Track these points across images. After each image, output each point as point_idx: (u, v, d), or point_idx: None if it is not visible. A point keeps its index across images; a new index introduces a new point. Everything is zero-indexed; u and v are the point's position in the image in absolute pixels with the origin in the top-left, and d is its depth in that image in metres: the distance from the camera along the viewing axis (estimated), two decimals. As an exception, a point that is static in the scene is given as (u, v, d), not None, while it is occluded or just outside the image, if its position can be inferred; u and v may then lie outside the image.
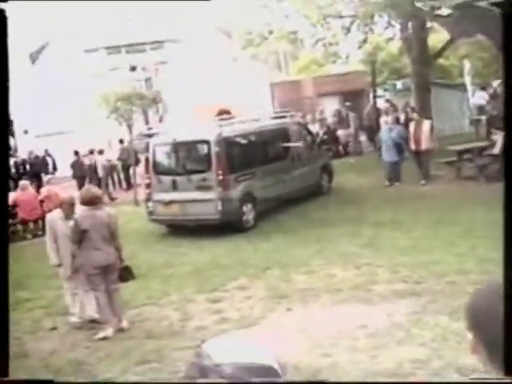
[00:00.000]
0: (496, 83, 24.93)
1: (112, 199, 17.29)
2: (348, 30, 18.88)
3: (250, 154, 12.16)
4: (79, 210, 6.85)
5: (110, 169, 18.99)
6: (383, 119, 15.69)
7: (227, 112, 17.68)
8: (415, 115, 15.18)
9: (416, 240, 9.19)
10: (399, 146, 14.15)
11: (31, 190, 14.78)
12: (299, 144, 13.47)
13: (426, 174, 14.11)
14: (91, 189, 7.13)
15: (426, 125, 14.24)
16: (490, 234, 8.67)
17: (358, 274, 7.92)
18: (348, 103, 23.57)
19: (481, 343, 1.53)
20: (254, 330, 6.35)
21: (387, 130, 14.52)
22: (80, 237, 6.57)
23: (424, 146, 13.93)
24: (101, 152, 18.66)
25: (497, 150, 13.67)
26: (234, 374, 1.30)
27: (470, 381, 1.49)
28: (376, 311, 6.51)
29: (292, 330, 6.22)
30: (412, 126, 14.44)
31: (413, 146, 14.15)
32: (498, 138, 13.84)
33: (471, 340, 1.56)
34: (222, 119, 13.28)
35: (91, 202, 6.63)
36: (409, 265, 7.93)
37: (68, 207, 7.12)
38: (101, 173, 18.25)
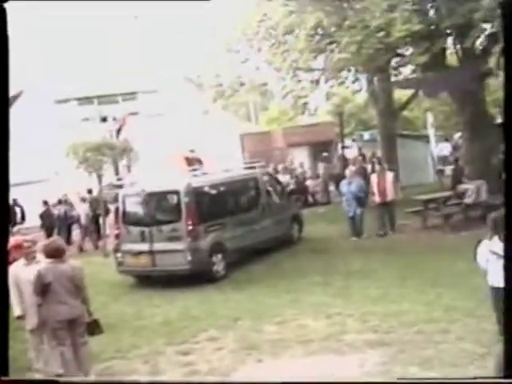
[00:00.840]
0: (457, 136, 25.78)
1: (81, 250, 17.19)
2: (317, 82, 19.41)
3: (219, 205, 12.23)
4: (43, 262, 6.76)
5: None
6: (348, 169, 15.81)
7: (198, 161, 17.80)
8: (378, 167, 15.38)
9: (385, 289, 9.28)
10: (359, 200, 14.01)
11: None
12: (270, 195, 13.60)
13: (393, 224, 14.27)
14: (56, 241, 7.04)
15: (390, 176, 14.44)
16: (455, 282, 8.87)
17: (329, 323, 7.94)
18: (325, 154, 24.01)
19: None
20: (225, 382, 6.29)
21: (346, 184, 14.34)
22: (43, 289, 6.47)
23: (389, 196, 14.10)
24: (84, 200, 18.14)
25: (470, 199, 13.96)
26: None
27: (469, 381, 1.56)
28: (347, 362, 6.52)
29: (263, 381, 6.16)
30: (375, 177, 14.57)
31: (377, 198, 14.16)
32: (471, 187, 14.14)
33: None
34: (192, 169, 13.41)
35: (55, 254, 6.57)
36: (379, 314, 8.00)
37: (29, 246, 7.04)
38: (84, 221, 17.72)
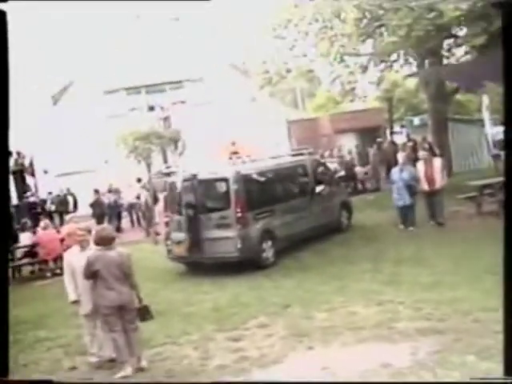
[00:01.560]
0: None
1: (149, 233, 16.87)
2: (365, 67, 19.05)
3: (268, 192, 12.16)
4: (92, 249, 6.87)
5: (131, 207, 19.03)
6: (400, 155, 15.15)
7: (236, 153, 17.77)
8: (424, 154, 14.16)
9: (438, 276, 9.04)
10: (410, 188, 13.33)
11: (52, 229, 14.92)
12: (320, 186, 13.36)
13: (441, 211, 13.48)
14: (105, 229, 7.10)
15: (437, 162, 13.69)
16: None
17: (380, 311, 7.80)
18: (379, 139, 23.17)
19: None
20: (276, 369, 6.25)
21: (398, 171, 13.62)
22: (92, 275, 6.61)
23: (438, 184, 13.29)
24: (144, 187, 18.12)
25: None
26: None
27: (470, 381, 1.45)
28: (399, 350, 6.37)
29: (314, 369, 6.10)
30: (421, 165, 13.58)
31: (426, 187, 13.34)
32: None
33: None
34: (238, 157, 13.39)
35: (104, 242, 6.66)
36: (432, 301, 7.80)
37: (85, 234, 7.18)
38: (144, 207, 17.64)
